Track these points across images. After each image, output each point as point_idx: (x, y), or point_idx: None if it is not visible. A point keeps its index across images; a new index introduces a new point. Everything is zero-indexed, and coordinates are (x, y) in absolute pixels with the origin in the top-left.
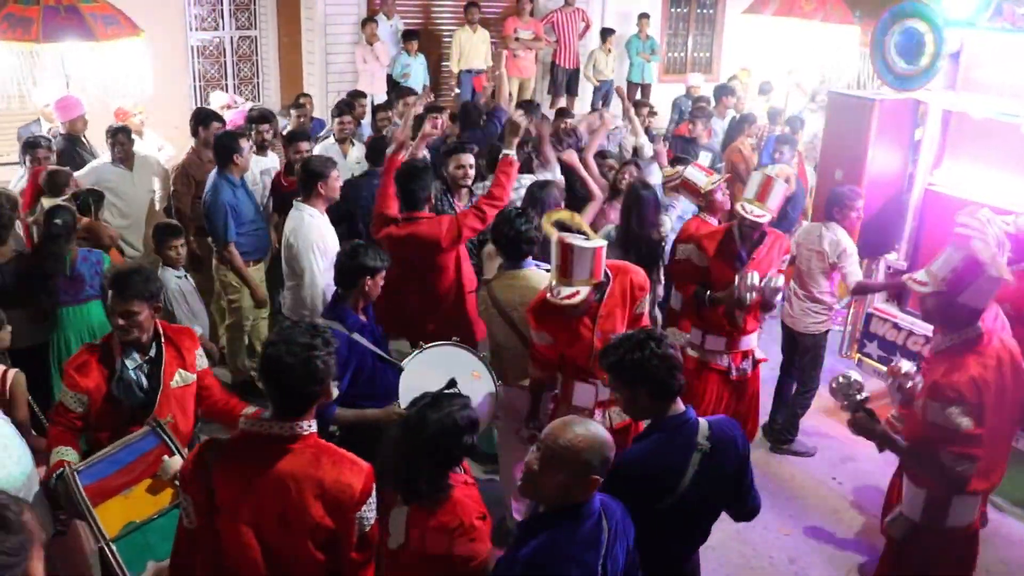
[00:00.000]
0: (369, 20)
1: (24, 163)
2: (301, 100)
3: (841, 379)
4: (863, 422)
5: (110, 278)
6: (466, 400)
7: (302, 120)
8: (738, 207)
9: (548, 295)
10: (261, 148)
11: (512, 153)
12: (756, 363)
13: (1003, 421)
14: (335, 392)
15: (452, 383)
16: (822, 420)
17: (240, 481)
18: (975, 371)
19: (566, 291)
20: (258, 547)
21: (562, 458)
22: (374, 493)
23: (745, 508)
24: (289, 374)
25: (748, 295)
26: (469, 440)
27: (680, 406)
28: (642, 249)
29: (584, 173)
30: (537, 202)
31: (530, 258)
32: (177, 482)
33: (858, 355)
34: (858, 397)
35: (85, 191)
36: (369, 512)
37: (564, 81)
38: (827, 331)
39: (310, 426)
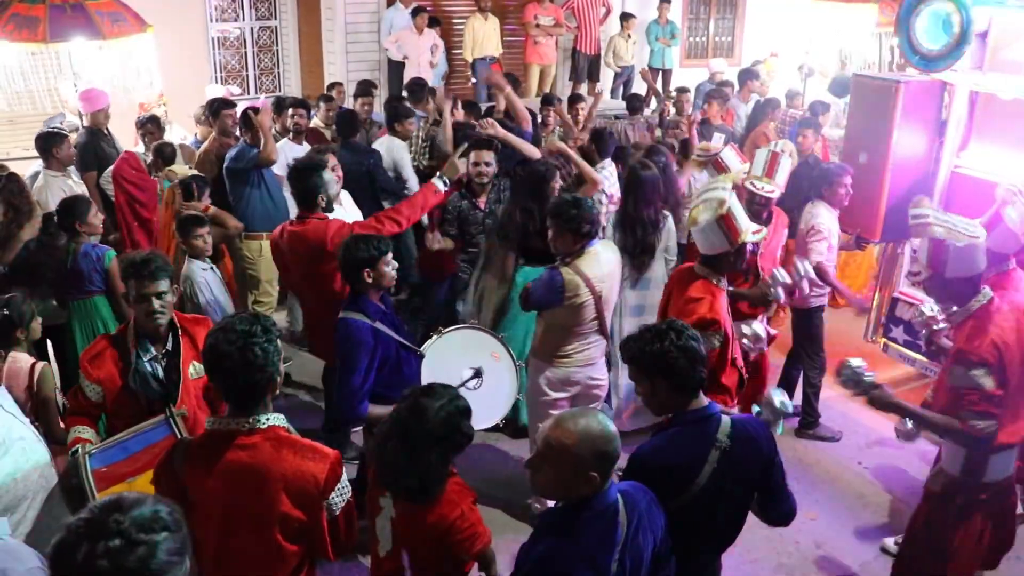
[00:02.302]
0: (421, 10)
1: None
2: (332, 92)
3: (845, 369)
4: (880, 396)
5: (130, 265)
6: (454, 389)
7: (330, 113)
8: (747, 185)
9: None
10: (297, 134)
11: (439, 184)
12: (771, 339)
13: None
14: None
15: (478, 372)
16: (848, 405)
17: (208, 479)
18: (994, 334)
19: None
20: (230, 543)
21: (554, 455)
22: (344, 479)
23: (777, 512)
24: (227, 363)
25: (777, 290)
26: (468, 427)
27: (703, 400)
28: (637, 231)
29: (579, 160)
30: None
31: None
32: None
33: (883, 340)
34: (866, 378)
35: (190, 176)
36: (338, 498)
37: (585, 67)
38: (820, 307)
39: (268, 419)
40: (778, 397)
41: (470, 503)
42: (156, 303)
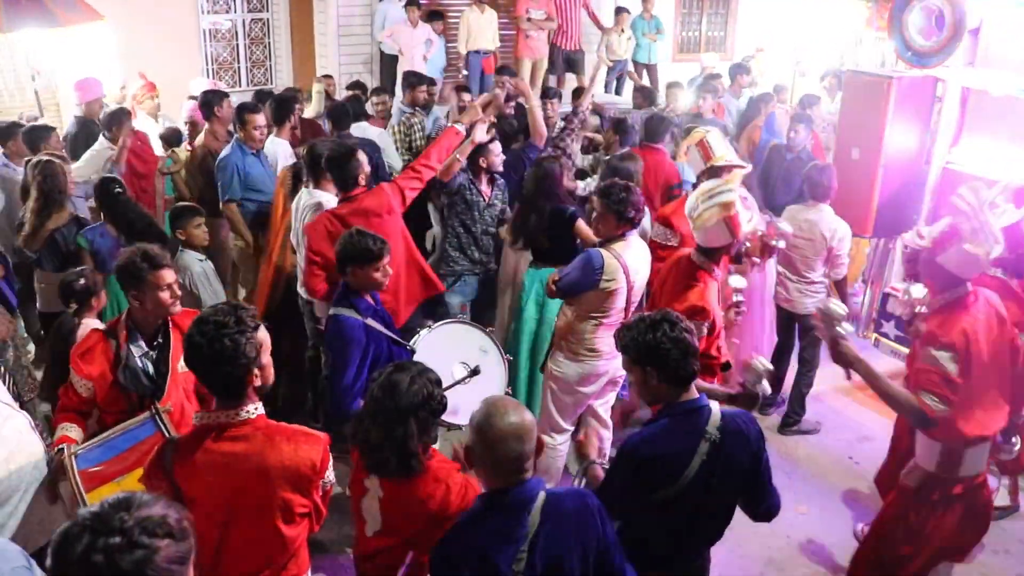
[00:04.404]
0: (415, 2)
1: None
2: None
3: (832, 305)
4: (846, 349)
5: (141, 257)
6: (421, 364)
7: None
8: (720, 163)
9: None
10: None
11: (459, 127)
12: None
13: (994, 373)
14: (267, 376)
15: (476, 371)
16: (838, 399)
17: (202, 474)
18: (965, 323)
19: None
20: (231, 535)
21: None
22: (330, 458)
23: (760, 507)
24: (199, 354)
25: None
26: (441, 396)
27: (694, 393)
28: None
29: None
30: (618, 173)
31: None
32: None
33: (875, 335)
34: (838, 327)
35: (302, 161)
36: (330, 475)
37: (562, 62)
38: None
39: (256, 409)
40: (761, 363)
41: (455, 476)
42: (177, 292)
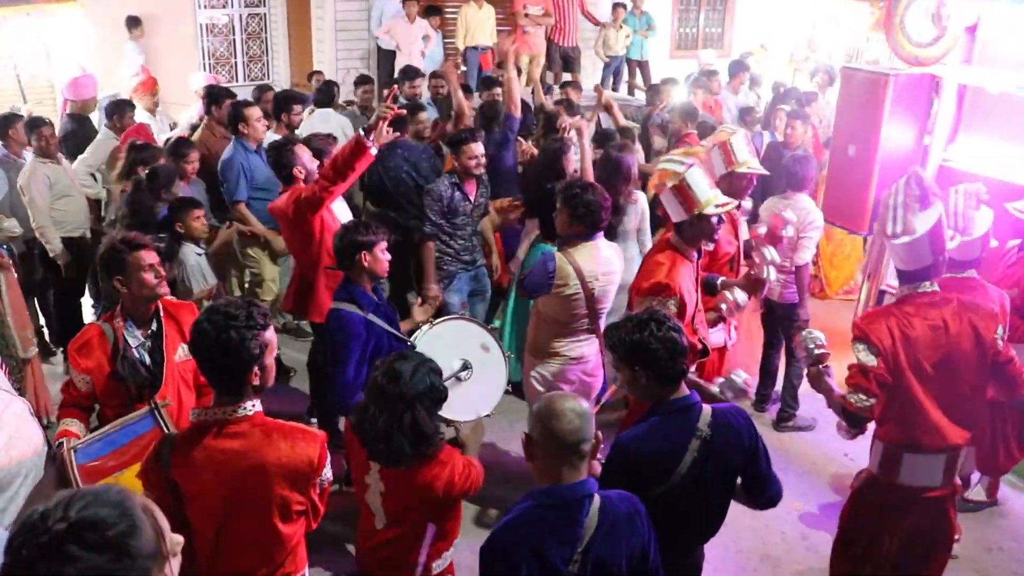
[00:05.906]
0: None
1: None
2: (312, 80)
3: (807, 334)
4: (815, 375)
5: (119, 241)
6: (422, 354)
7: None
8: (741, 169)
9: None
10: (288, 127)
11: (368, 141)
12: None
13: (947, 386)
14: (268, 375)
15: (466, 365)
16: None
17: (199, 471)
18: (892, 322)
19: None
20: (229, 532)
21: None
22: (328, 455)
23: (763, 497)
24: (204, 343)
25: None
26: (442, 384)
27: (684, 391)
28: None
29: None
30: (613, 163)
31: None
32: None
33: None
34: (816, 352)
35: None
36: (327, 472)
37: (558, 59)
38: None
39: (254, 406)
40: (740, 377)
41: (456, 457)
42: (161, 273)
